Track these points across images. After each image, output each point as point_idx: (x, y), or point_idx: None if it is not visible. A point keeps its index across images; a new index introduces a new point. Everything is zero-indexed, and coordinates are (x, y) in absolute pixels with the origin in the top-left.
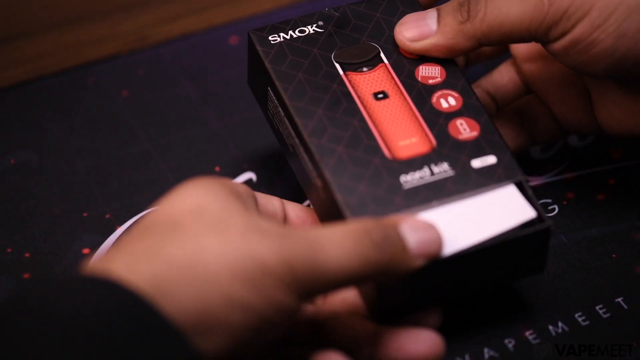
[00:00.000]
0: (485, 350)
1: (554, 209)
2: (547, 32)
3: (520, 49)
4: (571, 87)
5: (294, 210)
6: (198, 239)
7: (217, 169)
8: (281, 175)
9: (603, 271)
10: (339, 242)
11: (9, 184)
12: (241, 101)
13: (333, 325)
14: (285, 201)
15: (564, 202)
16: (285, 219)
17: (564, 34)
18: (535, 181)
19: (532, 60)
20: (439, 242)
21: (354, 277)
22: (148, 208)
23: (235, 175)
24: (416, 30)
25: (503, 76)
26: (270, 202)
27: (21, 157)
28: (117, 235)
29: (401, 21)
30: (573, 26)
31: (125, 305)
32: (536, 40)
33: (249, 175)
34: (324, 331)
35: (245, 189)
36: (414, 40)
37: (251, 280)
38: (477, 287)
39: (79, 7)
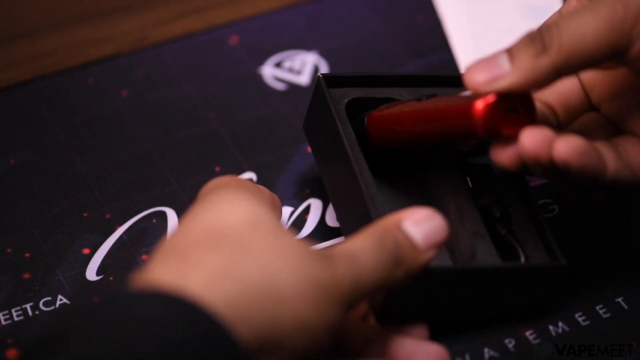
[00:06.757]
0: (485, 350)
1: (554, 209)
2: (629, 39)
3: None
4: None
5: None
6: (266, 258)
7: (217, 169)
8: (281, 175)
9: (603, 271)
10: (367, 254)
11: (9, 184)
12: (241, 101)
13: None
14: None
15: (564, 202)
16: None
17: None
18: (535, 181)
19: (600, 73)
20: (443, 229)
21: (383, 284)
22: (148, 208)
23: (235, 175)
24: (488, 72)
25: (565, 88)
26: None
27: (21, 157)
28: (171, 232)
29: (470, 67)
30: None
31: (206, 329)
32: (618, 55)
33: (249, 175)
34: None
35: (270, 198)
36: (487, 82)
37: (314, 301)
38: (481, 309)
39: (79, 7)
